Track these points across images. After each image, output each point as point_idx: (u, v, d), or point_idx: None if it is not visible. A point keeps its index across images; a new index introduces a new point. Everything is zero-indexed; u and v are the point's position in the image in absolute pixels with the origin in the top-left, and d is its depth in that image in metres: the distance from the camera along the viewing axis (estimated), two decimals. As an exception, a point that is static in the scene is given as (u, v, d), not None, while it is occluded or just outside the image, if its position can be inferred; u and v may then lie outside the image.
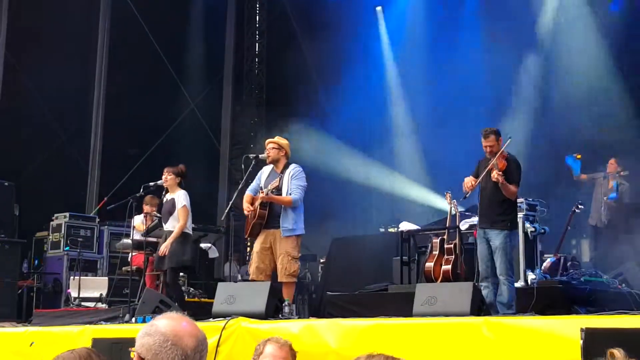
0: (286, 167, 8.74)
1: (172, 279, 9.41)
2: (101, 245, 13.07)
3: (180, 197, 9.46)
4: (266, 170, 8.90)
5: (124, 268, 10.80)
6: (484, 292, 7.93)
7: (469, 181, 8.15)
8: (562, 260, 9.96)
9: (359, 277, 11.07)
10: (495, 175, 7.74)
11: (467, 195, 8.22)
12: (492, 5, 14.58)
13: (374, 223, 14.93)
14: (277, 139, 8.90)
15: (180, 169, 9.70)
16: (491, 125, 8.58)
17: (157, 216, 10.33)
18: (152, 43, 15.33)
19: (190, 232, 9.65)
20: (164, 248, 9.23)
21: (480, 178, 8.03)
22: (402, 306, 8.22)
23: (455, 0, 15.62)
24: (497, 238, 7.94)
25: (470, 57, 14.57)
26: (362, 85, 16.41)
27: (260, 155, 9.06)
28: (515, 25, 14.15)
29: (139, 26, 15.19)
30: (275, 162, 8.78)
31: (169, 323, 2.87)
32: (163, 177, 9.63)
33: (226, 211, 10.12)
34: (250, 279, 8.71)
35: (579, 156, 11.26)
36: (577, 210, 10.63)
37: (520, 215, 9.50)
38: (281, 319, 7.97)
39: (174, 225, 9.40)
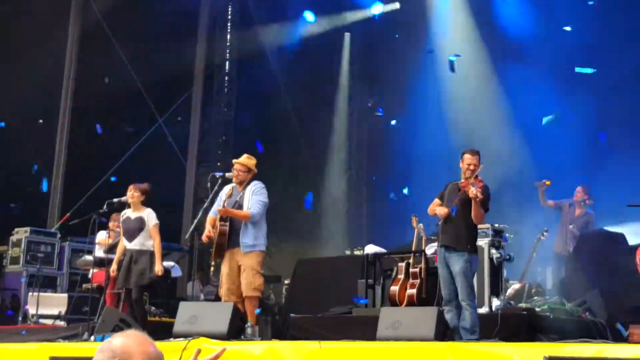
0: (249, 183, 8.71)
1: (138, 297, 9.31)
2: (62, 261, 12.85)
3: (150, 216, 9.44)
4: (227, 188, 8.85)
5: (84, 285, 10.62)
6: (447, 317, 7.89)
7: (439, 207, 8.12)
8: (526, 287, 9.95)
9: (324, 299, 10.98)
10: (474, 192, 7.72)
11: (441, 221, 8.19)
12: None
13: (340, 245, 14.88)
14: (244, 159, 8.85)
15: (146, 186, 9.63)
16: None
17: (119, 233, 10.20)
18: (120, 58, 15.18)
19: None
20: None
21: (456, 200, 8.01)
22: (366, 330, 8.17)
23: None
24: (457, 262, 7.90)
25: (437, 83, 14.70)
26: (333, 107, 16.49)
27: (227, 174, 9.01)
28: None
29: (107, 40, 15.06)
30: (241, 182, 8.75)
31: (123, 340, 2.85)
32: (129, 193, 9.54)
33: (190, 229, 10.02)
34: (223, 300, 8.61)
35: (548, 182, 11.28)
36: (542, 238, 10.66)
37: (485, 241, 9.50)
38: (243, 340, 7.87)
39: (142, 243, 9.35)
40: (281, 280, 13.68)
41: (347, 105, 17.78)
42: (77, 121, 15.24)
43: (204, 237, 8.68)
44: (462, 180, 8.07)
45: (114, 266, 9.55)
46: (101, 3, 15.11)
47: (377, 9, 16.30)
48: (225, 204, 8.56)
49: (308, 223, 15.83)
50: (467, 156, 8.14)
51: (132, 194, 9.51)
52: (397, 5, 16.26)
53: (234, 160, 8.96)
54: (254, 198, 8.58)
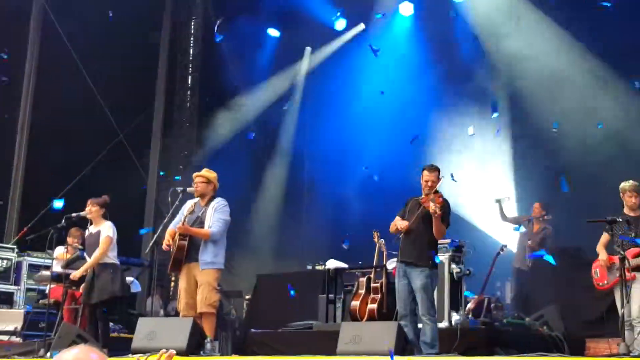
0: (211, 200, 8.67)
1: (101, 313, 9.23)
2: (19, 276, 12.66)
3: (105, 228, 9.36)
4: (189, 203, 8.80)
5: (41, 301, 10.48)
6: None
7: (402, 222, 8.15)
8: (486, 302, 10.03)
9: (284, 314, 10.96)
10: (433, 207, 7.77)
11: (401, 235, 8.21)
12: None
13: (301, 260, 14.87)
14: (205, 172, 8.83)
15: (104, 199, 9.55)
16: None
17: (79, 248, 10.10)
18: (81, 72, 15.06)
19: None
20: (76, 275, 9.17)
21: (415, 216, 8.06)
22: (326, 344, 8.17)
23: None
24: (418, 277, 7.94)
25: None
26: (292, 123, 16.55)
27: (187, 189, 8.97)
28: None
29: (68, 54, 14.92)
30: (202, 196, 8.71)
31: (74, 354, 2.82)
32: (87, 208, 9.47)
33: (150, 244, 9.96)
34: (181, 316, 8.53)
35: (508, 198, 11.42)
36: (501, 253, 10.76)
37: (446, 255, 9.56)
38: (203, 356, 7.82)
39: (102, 257, 9.25)
40: (242, 296, 13.63)
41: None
42: (36, 135, 15.07)
43: (164, 246, 8.60)
44: (423, 196, 8.13)
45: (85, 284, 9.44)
46: (62, 18, 14.97)
47: (340, 25, 16.43)
48: (187, 220, 8.51)
49: (269, 238, 15.80)
50: (425, 172, 8.22)
51: (90, 209, 9.46)
52: (362, 26, 16.36)
53: (194, 174, 8.92)
54: (216, 216, 8.52)
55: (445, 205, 8.03)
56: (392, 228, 8.27)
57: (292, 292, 9.91)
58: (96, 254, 9.20)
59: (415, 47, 15.45)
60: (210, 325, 8.39)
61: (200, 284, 8.39)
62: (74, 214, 9.59)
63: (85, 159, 15.39)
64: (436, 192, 8.10)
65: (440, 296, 9.27)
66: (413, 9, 15.27)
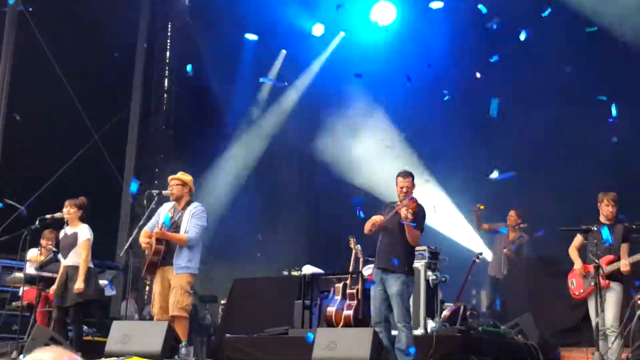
0: (188, 204, 8.61)
1: (75, 316, 9.15)
2: (-9, 278, 12.50)
3: (83, 230, 9.29)
4: (166, 206, 8.74)
5: (14, 303, 10.37)
6: (377, 337, 7.91)
7: (378, 217, 8.12)
8: (461, 310, 10.05)
9: (260, 319, 10.93)
10: (405, 212, 7.75)
11: (375, 229, 8.16)
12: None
13: (277, 265, 14.83)
14: (180, 174, 8.77)
15: (82, 201, 9.49)
16: None
17: (53, 250, 10.01)
18: (56, 72, 14.92)
19: (92, 266, 9.40)
20: (80, 286, 8.95)
21: (387, 218, 8.04)
22: (301, 350, 8.14)
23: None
24: (394, 284, 7.92)
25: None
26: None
27: (163, 192, 8.92)
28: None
29: (42, 53, 14.79)
30: (178, 199, 8.64)
31: (48, 355, 2.76)
32: (64, 209, 9.39)
33: (125, 247, 9.87)
34: (155, 319, 8.46)
35: (482, 207, 11.47)
36: (477, 261, 10.79)
37: (422, 263, 9.57)
38: (177, 360, 7.77)
39: (75, 259, 9.16)
40: (217, 300, 13.57)
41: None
42: (9, 136, 14.92)
43: (143, 244, 8.52)
44: (398, 203, 8.12)
45: (55, 285, 9.33)
46: (38, 19, 14.83)
47: (318, 31, 16.43)
48: (163, 225, 8.43)
49: (246, 242, 15.75)
50: (399, 179, 8.19)
51: (68, 210, 9.38)
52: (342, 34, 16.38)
53: (170, 177, 8.85)
54: (193, 221, 8.46)
55: (419, 211, 8.01)
56: (366, 227, 8.20)
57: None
58: (81, 261, 9.11)
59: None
60: (183, 329, 8.32)
61: (172, 287, 8.34)
62: (47, 216, 9.51)
63: (60, 161, 15.25)
64: (412, 198, 8.08)
65: (416, 303, 9.28)
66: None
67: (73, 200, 9.45)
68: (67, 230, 9.40)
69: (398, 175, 8.22)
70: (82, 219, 9.43)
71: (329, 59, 16.69)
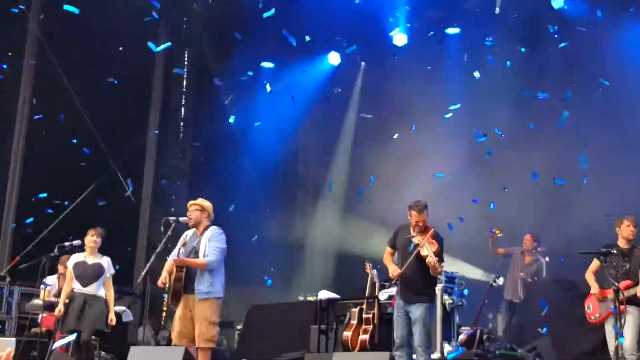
0: (206, 229, 8.64)
1: (88, 340, 9.34)
2: (10, 305, 12.58)
3: (109, 265, 9.63)
4: (188, 234, 8.76)
5: (32, 329, 10.44)
6: (398, 362, 7.92)
7: (395, 270, 8.14)
8: (478, 333, 10.03)
9: (276, 345, 10.94)
10: (432, 261, 7.79)
11: (394, 281, 8.23)
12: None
13: (293, 290, 14.86)
14: (199, 200, 8.81)
15: (104, 232, 9.68)
16: None
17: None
18: (73, 100, 15.07)
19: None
20: (113, 318, 9.45)
21: (409, 262, 8.04)
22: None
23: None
24: (417, 310, 7.96)
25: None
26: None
27: (180, 218, 8.93)
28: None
29: (60, 82, 14.94)
30: (197, 224, 8.66)
31: None
32: (91, 238, 9.67)
33: (142, 274, 9.87)
34: (173, 344, 8.47)
35: (499, 232, 11.41)
36: (494, 284, 10.77)
37: (438, 287, 9.58)
38: (194, 385, 7.78)
39: (98, 289, 9.46)
40: (233, 326, 13.59)
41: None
42: (29, 164, 15.06)
43: (159, 283, 8.58)
44: (414, 234, 8.11)
45: (60, 306, 9.47)
46: (56, 47, 15.02)
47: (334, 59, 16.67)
48: (182, 251, 8.46)
49: (262, 267, 15.78)
50: (413, 213, 8.17)
51: (95, 239, 9.63)
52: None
53: (189, 203, 8.88)
54: (211, 245, 8.43)
55: (440, 247, 8.03)
56: (384, 260, 8.27)
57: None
58: (110, 297, 9.58)
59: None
60: (206, 358, 8.32)
61: (197, 319, 8.27)
62: (67, 243, 9.64)
63: (78, 188, 15.36)
64: (426, 228, 8.08)
65: (433, 327, 9.27)
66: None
67: (98, 229, 9.64)
68: (87, 259, 9.56)
69: (411, 208, 8.21)
70: (100, 250, 9.64)
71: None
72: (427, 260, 7.81)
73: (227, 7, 16.73)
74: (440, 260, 8.02)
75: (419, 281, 8.05)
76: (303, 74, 16.48)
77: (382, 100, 15.68)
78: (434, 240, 7.99)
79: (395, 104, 15.09)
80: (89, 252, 9.56)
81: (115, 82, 13.84)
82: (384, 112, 15.41)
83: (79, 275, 9.51)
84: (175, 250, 8.62)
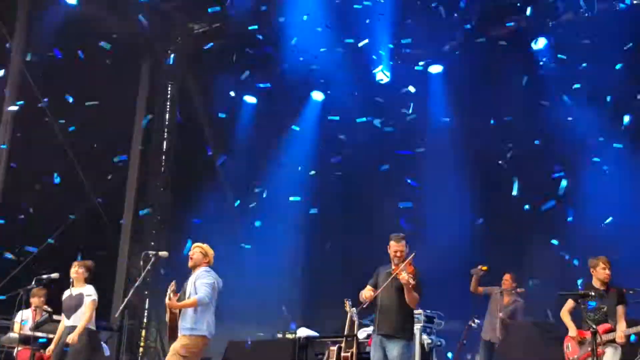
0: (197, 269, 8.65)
1: None
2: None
3: (89, 291, 9.42)
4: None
5: (7, 364, 10.32)
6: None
7: (366, 291, 8.16)
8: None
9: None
10: (405, 277, 7.77)
11: (365, 305, 8.20)
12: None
13: (272, 327, 14.75)
14: (205, 245, 8.79)
15: (90, 265, 9.57)
16: None
17: (47, 310, 10.02)
18: (53, 132, 15.01)
19: (94, 328, 9.49)
20: (74, 338, 9.01)
21: (383, 286, 8.05)
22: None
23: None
24: (395, 348, 7.91)
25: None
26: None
27: (160, 253, 8.92)
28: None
29: (42, 114, 14.90)
30: (195, 267, 8.65)
31: None
32: (72, 269, 9.51)
33: (121, 308, 9.86)
34: None
35: (484, 268, 11.40)
36: (472, 325, 10.75)
37: (417, 326, 9.56)
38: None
39: (78, 320, 9.27)
40: (211, 363, 13.46)
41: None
42: (8, 195, 14.97)
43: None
44: (393, 267, 8.13)
45: (52, 346, 9.37)
46: (38, 78, 15.00)
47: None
48: (172, 296, 8.44)
49: (240, 303, 15.66)
50: (392, 243, 8.20)
51: (77, 269, 9.52)
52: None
53: (195, 244, 8.84)
54: (198, 282, 8.45)
55: (418, 274, 8.04)
56: (360, 297, 8.27)
57: None
58: (83, 318, 9.22)
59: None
60: None
61: (169, 352, 8.31)
62: (44, 275, 9.54)
63: (58, 220, 15.27)
64: (409, 262, 8.10)
65: (412, 367, 9.25)
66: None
67: (82, 261, 9.59)
68: (73, 291, 9.48)
69: (391, 239, 8.25)
70: (87, 281, 9.52)
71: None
72: (400, 277, 7.80)
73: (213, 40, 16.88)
74: (418, 289, 8.00)
75: (397, 313, 8.02)
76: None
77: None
78: (411, 266, 7.98)
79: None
80: (74, 283, 9.51)
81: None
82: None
83: (65, 308, 9.49)
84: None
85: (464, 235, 13.68)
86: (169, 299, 8.34)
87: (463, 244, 13.48)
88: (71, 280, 9.51)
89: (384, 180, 15.11)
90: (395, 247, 8.15)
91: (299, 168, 16.39)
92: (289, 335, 12.23)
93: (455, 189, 14.32)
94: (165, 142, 17.82)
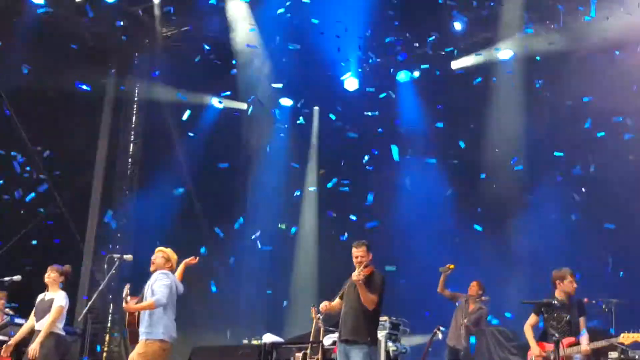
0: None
1: None
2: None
3: (60, 297, 9.29)
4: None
5: (-31, 367, 10.17)
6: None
7: (324, 303, 8.24)
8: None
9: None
10: (356, 274, 7.82)
11: (320, 316, 8.26)
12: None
13: (238, 333, 14.71)
14: (169, 250, 8.73)
15: (66, 269, 9.50)
16: None
17: (9, 314, 9.90)
18: (22, 138, 14.86)
19: (63, 333, 9.35)
20: (35, 347, 8.88)
21: (342, 290, 8.09)
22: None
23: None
24: (357, 355, 7.91)
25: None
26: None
27: (125, 256, 8.86)
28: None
29: (8, 121, 14.76)
30: (156, 271, 8.58)
31: None
32: (46, 274, 9.38)
33: (84, 312, 9.78)
34: None
35: (452, 266, 11.42)
36: (437, 332, 10.76)
37: (383, 333, 9.56)
38: None
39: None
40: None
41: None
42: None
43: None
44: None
45: (12, 341, 9.32)
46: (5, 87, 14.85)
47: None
48: (128, 299, 8.38)
49: (206, 308, 15.60)
50: (353, 249, 8.26)
51: (49, 274, 9.43)
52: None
53: (158, 248, 8.77)
54: (155, 284, 8.39)
55: (375, 276, 8.07)
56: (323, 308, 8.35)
57: None
58: (46, 321, 9.08)
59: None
60: None
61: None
62: (6, 278, 9.44)
63: (22, 224, 15.12)
64: (367, 266, 8.13)
65: (377, 374, 9.24)
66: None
67: (57, 266, 9.49)
68: (47, 295, 9.40)
69: (352, 246, 8.28)
70: (60, 286, 9.41)
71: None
72: (353, 276, 7.84)
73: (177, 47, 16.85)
74: (376, 291, 8.01)
75: (357, 318, 8.05)
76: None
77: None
78: (370, 267, 8.02)
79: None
80: (48, 288, 9.41)
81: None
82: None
83: (35, 312, 9.39)
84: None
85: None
86: (126, 302, 8.27)
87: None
88: (46, 283, 9.43)
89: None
90: (354, 252, 8.20)
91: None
92: (254, 342, 12.18)
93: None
94: (131, 146, 17.69)
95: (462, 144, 14.51)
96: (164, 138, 17.23)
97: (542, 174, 13.98)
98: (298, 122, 16.44)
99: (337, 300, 8.32)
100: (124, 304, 8.31)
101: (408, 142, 15.38)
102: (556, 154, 13.57)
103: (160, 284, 8.36)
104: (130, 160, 17.63)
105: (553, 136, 13.99)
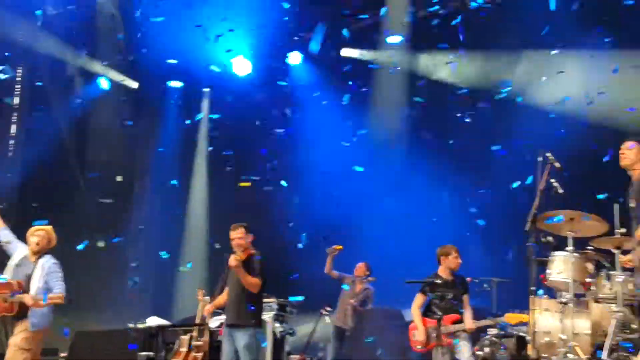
0: (41, 256, 8.29)
1: None
2: None
3: None
4: (18, 255, 8.35)
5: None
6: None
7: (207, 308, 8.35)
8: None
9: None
10: (232, 259, 7.81)
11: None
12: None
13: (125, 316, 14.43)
14: (48, 227, 8.50)
15: None
16: None
17: None
18: None
19: None
20: None
21: (223, 280, 8.10)
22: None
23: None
24: (242, 338, 7.92)
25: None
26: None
27: (2, 238, 8.55)
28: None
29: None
30: (38, 252, 8.31)
31: None
32: None
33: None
34: None
35: (339, 247, 11.46)
36: (324, 312, 10.83)
37: (270, 315, 9.57)
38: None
39: None
40: (57, 354, 13.01)
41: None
42: None
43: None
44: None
45: None
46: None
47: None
48: (13, 273, 8.08)
49: (90, 290, 15.24)
50: (231, 232, 8.26)
51: None
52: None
53: (35, 228, 8.46)
54: (53, 276, 8.19)
55: (253, 260, 8.10)
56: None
57: None
58: None
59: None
60: None
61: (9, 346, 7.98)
62: None
63: None
64: (246, 250, 8.11)
65: (262, 356, 9.25)
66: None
67: None
68: None
69: (230, 229, 8.27)
70: None
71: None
72: (230, 263, 7.80)
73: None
74: (256, 273, 8.05)
75: (240, 302, 8.07)
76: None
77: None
78: (249, 250, 8.04)
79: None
80: None
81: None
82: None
83: None
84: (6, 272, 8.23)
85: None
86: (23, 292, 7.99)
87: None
88: None
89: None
90: (232, 235, 8.21)
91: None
92: (140, 325, 11.98)
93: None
94: (14, 125, 17.05)
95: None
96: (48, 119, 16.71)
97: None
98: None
99: (221, 295, 8.34)
100: (8, 279, 8.06)
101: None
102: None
103: (58, 277, 8.22)
104: (11, 142, 17.01)
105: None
